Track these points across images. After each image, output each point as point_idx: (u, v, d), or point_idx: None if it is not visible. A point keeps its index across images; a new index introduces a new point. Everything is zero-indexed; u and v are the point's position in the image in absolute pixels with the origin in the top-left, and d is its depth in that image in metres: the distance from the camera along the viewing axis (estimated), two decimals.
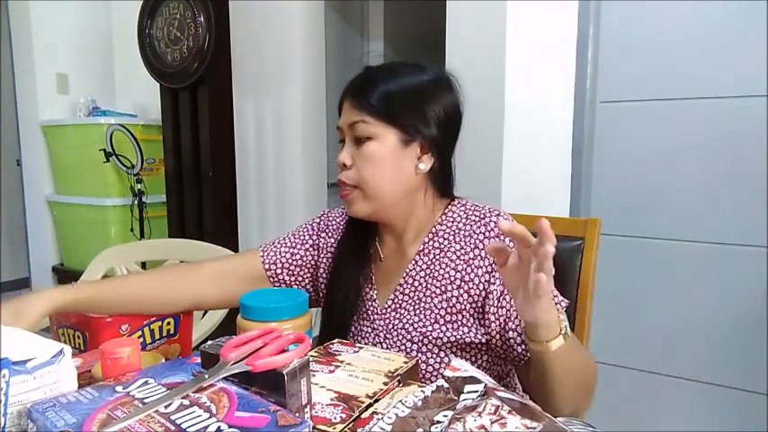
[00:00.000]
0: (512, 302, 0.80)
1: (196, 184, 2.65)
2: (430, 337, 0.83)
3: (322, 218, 1.00)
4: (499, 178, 1.85)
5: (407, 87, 0.83)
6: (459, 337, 0.82)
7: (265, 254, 0.96)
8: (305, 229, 0.99)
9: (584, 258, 1.01)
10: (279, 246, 0.97)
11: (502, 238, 0.82)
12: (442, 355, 0.83)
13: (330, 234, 0.97)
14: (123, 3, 3.19)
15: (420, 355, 0.83)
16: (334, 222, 0.99)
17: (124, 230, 2.97)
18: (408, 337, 0.85)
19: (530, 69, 1.82)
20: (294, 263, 0.96)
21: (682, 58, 1.67)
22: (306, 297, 0.74)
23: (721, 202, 1.64)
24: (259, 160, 2.61)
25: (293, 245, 0.97)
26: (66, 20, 3.15)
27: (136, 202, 2.88)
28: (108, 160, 2.87)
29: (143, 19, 2.66)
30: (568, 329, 0.69)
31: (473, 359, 0.84)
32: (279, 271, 0.95)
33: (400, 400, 0.55)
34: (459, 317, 0.83)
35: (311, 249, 0.97)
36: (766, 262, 1.59)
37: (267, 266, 0.95)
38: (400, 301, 0.88)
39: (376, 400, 0.60)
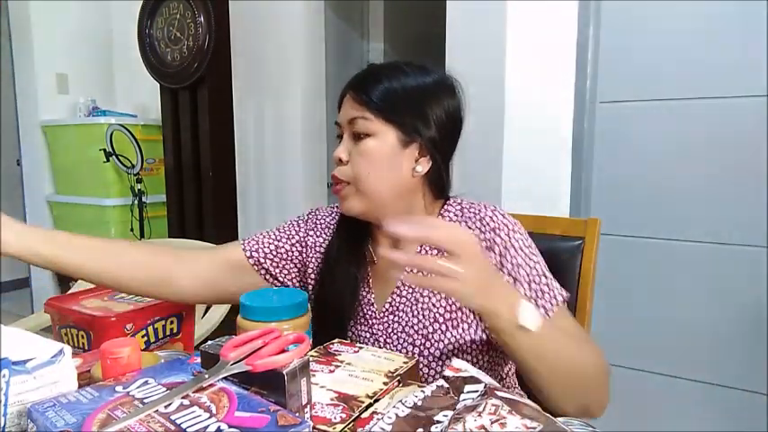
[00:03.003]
0: None
1: (196, 183, 2.65)
2: (432, 340, 0.82)
3: (310, 215, 0.98)
4: (499, 178, 1.86)
5: (411, 87, 0.82)
6: (459, 335, 0.82)
7: (246, 242, 0.94)
8: (290, 225, 0.97)
9: (584, 258, 1.01)
10: (261, 237, 0.95)
11: (497, 232, 0.81)
12: (444, 359, 0.82)
13: (318, 233, 0.95)
14: (123, 3, 3.19)
15: (422, 359, 0.83)
16: (323, 221, 0.97)
17: (124, 230, 2.97)
18: (410, 341, 0.84)
19: (530, 69, 1.82)
20: (279, 255, 0.94)
21: (682, 58, 1.66)
22: (305, 297, 0.73)
23: (721, 202, 1.64)
24: (259, 160, 2.61)
25: (278, 238, 0.95)
26: (66, 20, 3.15)
27: (136, 201, 2.88)
28: (108, 160, 2.87)
29: (143, 19, 2.66)
30: (531, 323, 0.66)
31: (473, 360, 0.84)
32: (262, 260, 0.93)
33: (400, 400, 0.55)
34: (459, 314, 0.83)
35: (297, 245, 0.95)
36: (766, 262, 1.59)
37: (249, 254, 0.92)
38: (398, 304, 0.87)
39: (376, 400, 0.60)
